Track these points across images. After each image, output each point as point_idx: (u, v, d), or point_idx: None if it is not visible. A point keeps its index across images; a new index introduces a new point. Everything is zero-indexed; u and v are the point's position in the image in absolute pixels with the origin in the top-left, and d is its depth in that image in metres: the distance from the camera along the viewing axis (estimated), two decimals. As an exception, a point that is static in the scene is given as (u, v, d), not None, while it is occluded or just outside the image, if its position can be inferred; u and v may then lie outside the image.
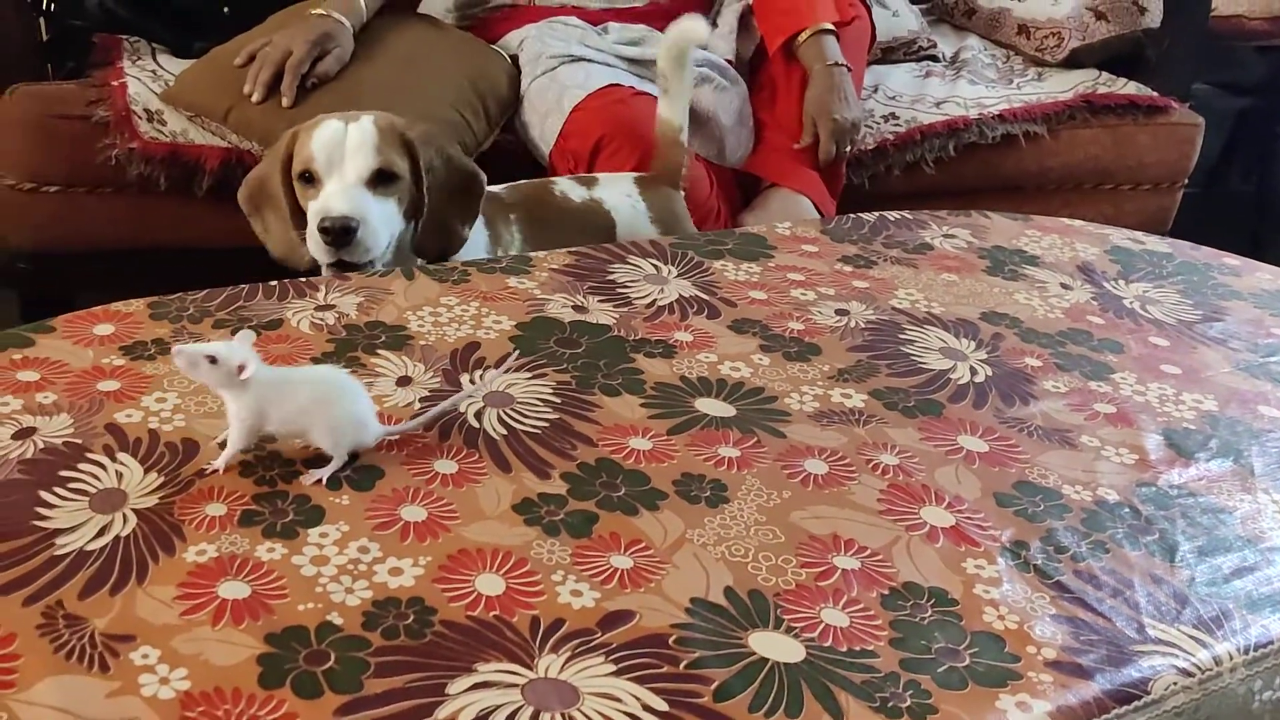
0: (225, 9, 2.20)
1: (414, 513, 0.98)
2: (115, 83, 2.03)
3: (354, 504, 0.98)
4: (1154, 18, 2.46)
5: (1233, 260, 1.62)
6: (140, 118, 1.99)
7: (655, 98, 1.99)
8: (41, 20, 2.24)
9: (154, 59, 2.15)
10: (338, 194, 1.50)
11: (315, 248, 1.52)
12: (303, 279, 1.34)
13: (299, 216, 1.57)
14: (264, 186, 1.61)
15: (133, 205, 2.03)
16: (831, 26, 2.12)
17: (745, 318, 1.35)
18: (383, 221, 1.52)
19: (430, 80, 2.00)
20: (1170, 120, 2.39)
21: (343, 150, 1.51)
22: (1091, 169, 2.37)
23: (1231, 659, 0.92)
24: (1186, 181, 2.46)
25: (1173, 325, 1.42)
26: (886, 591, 0.95)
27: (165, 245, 2.09)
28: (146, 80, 2.05)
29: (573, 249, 1.51)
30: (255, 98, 1.93)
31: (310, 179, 1.53)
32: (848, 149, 2.09)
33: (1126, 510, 1.06)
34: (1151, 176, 2.41)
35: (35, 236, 2.05)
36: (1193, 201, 3.10)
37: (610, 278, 1.42)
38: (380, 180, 1.53)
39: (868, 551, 0.98)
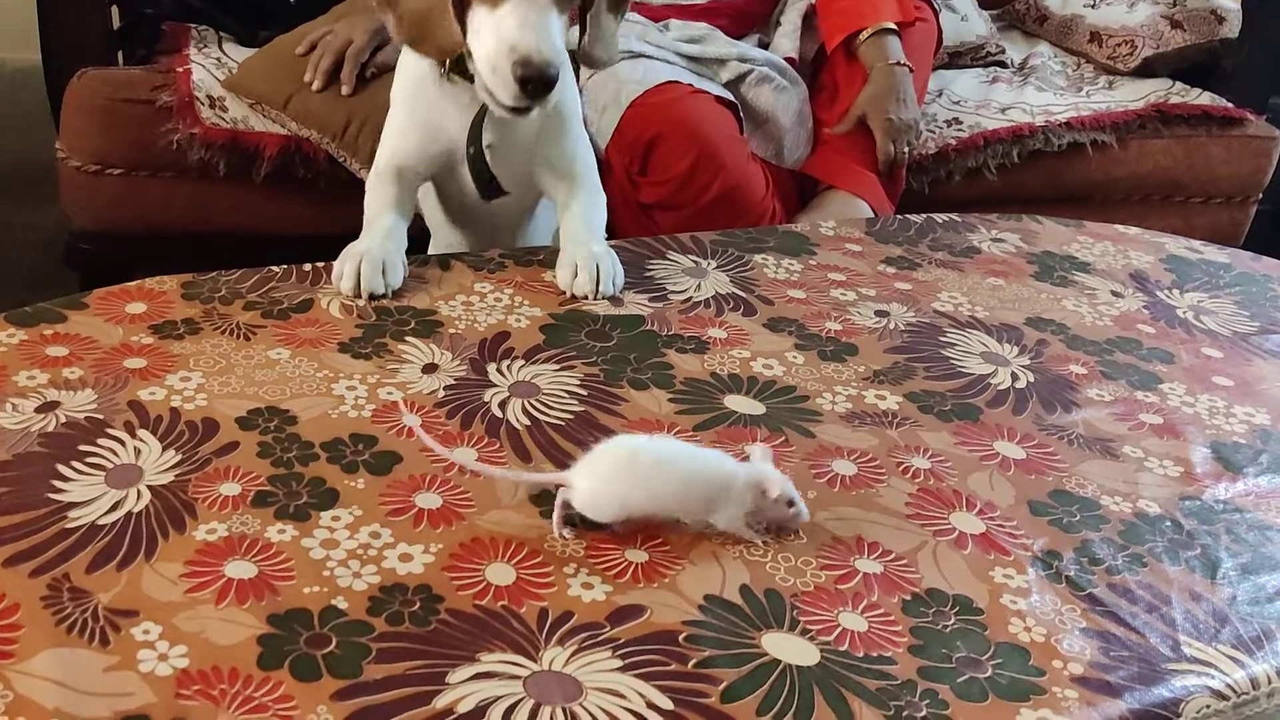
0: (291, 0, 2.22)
1: (429, 500, 0.96)
2: (180, 69, 2.05)
3: (369, 488, 0.97)
4: (1232, 27, 2.39)
5: (1295, 272, 1.57)
6: (203, 104, 2.00)
7: (713, 96, 1.98)
8: (115, 8, 2.28)
9: (219, 47, 2.17)
10: (532, 27, 1.19)
11: (495, 84, 1.22)
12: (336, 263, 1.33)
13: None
14: None
15: (192, 190, 2.05)
16: (894, 26, 2.09)
17: (782, 316, 1.32)
18: (565, 49, 1.25)
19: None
20: (1245, 133, 2.32)
21: None
22: (1161, 180, 2.30)
23: (1270, 681, 0.88)
24: (1261, 196, 2.38)
25: (1227, 336, 1.37)
26: (909, 597, 0.92)
27: (223, 230, 2.10)
28: (211, 67, 2.07)
29: (614, 241, 1.48)
30: (315, 85, 1.95)
31: None
32: (906, 151, 2.05)
33: (1168, 524, 1.02)
34: (1223, 190, 2.34)
35: (98, 217, 2.07)
36: (1270, 219, 3.02)
37: (648, 272, 1.40)
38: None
39: (891, 555, 0.95)
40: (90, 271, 2.14)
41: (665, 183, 1.92)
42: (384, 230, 1.36)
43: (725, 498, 0.95)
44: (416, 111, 1.39)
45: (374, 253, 1.30)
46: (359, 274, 1.28)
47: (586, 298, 1.31)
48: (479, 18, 1.22)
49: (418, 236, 1.94)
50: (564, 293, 1.32)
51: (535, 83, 1.19)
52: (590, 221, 1.40)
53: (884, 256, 1.50)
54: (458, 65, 1.32)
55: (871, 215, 2.04)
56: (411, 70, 1.40)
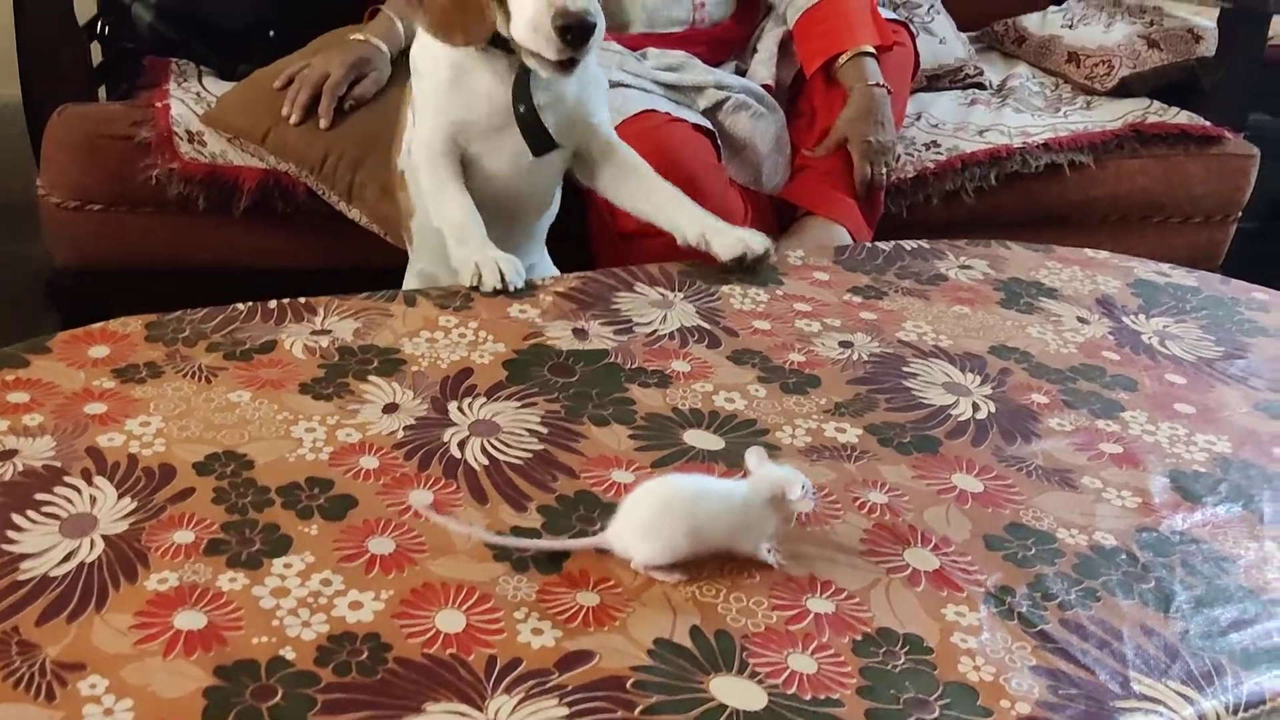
0: (271, 33, 2.23)
1: (382, 545, 0.97)
2: (159, 104, 2.07)
3: (323, 534, 0.97)
4: (1208, 46, 2.40)
5: (1262, 295, 1.57)
6: (181, 139, 2.02)
7: (690, 124, 1.98)
8: (98, 43, 2.29)
9: (199, 81, 2.18)
10: None
11: (538, 42, 1.32)
12: (301, 300, 1.34)
13: None
14: None
15: (172, 224, 2.06)
16: (872, 50, 2.09)
17: (746, 348, 1.32)
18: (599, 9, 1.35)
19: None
20: (1224, 151, 2.32)
21: None
22: (1139, 200, 2.30)
23: (1219, 718, 0.88)
24: (1240, 215, 2.38)
25: (1191, 362, 1.37)
26: (860, 637, 0.92)
27: (204, 264, 2.11)
28: (190, 102, 2.08)
29: (585, 273, 1.49)
30: (293, 120, 1.95)
31: None
32: (884, 173, 2.06)
33: (1123, 556, 1.02)
34: (1203, 209, 2.34)
35: (78, 254, 2.08)
36: (1253, 236, 3.02)
37: (615, 304, 1.40)
38: None
39: (844, 594, 0.95)
40: (72, 307, 2.15)
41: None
42: (477, 230, 1.42)
43: (749, 520, 0.97)
44: (458, 87, 1.45)
45: (492, 254, 1.38)
46: (499, 273, 1.37)
47: (767, 254, 1.46)
48: None
49: (390, 270, 1.96)
50: (534, 324, 1.33)
51: (575, 30, 1.28)
52: (681, 191, 1.50)
53: (851, 285, 1.50)
54: (498, 40, 1.39)
55: (850, 240, 2.04)
56: (436, 51, 1.46)
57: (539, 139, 1.46)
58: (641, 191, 1.52)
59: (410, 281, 1.77)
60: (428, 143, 1.47)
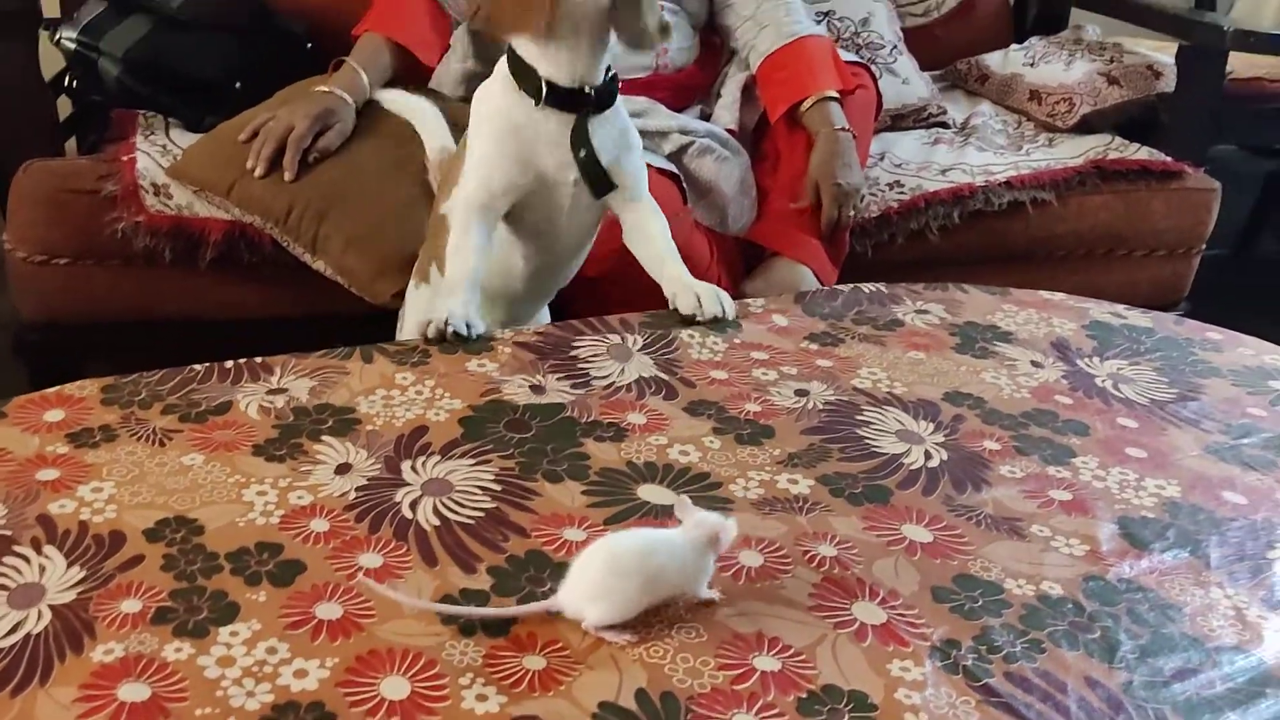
0: (238, 85, 2.24)
1: (330, 610, 0.97)
2: (125, 158, 2.07)
3: (270, 600, 0.97)
4: (1168, 82, 2.43)
5: (1216, 335, 1.58)
6: (147, 192, 2.02)
7: (656, 169, 2.00)
8: (66, 96, 2.30)
9: (166, 134, 2.19)
10: None
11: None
12: (258, 359, 1.34)
13: None
14: None
15: (139, 277, 2.06)
16: (835, 94, 2.12)
17: (703, 399, 1.33)
18: None
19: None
20: (1185, 185, 2.35)
21: None
22: (1103, 236, 2.33)
23: (1162, 770, 0.88)
24: (1204, 247, 2.41)
25: (1144, 405, 1.38)
26: (804, 695, 0.92)
27: (171, 317, 2.12)
28: (156, 155, 2.09)
29: (543, 326, 1.50)
30: (258, 172, 1.96)
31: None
32: (851, 215, 2.08)
33: (1069, 606, 1.03)
34: (1166, 243, 2.36)
35: (45, 308, 2.09)
36: (1220, 265, 3.05)
37: (573, 354, 1.41)
38: None
39: (790, 651, 0.96)
40: (39, 362, 2.15)
41: (608, 257, 1.93)
42: (469, 285, 1.50)
43: (693, 566, 1.00)
44: (506, 145, 1.52)
45: (457, 315, 1.44)
46: (442, 328, 1.43)
47: (717, 317, 1.52)
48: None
49: (359, 318, 1.96)
50: (491, 379, 1.34)
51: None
52: (676, 252, 1.59)
53: (808, 332, 1.51)
54: (552, 97, 1.49)
55: (815, 279, 2.06)
56: (496, 106, 1.54)
57: (599, 181, 1.54)
58: (644, 248, 1.60)
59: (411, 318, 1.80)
60: (470, 197, 1.54)
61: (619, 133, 1.56)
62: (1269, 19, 3.06)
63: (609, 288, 1.93)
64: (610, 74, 1.52)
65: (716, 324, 1.50)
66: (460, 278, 1.51)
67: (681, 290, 1.55)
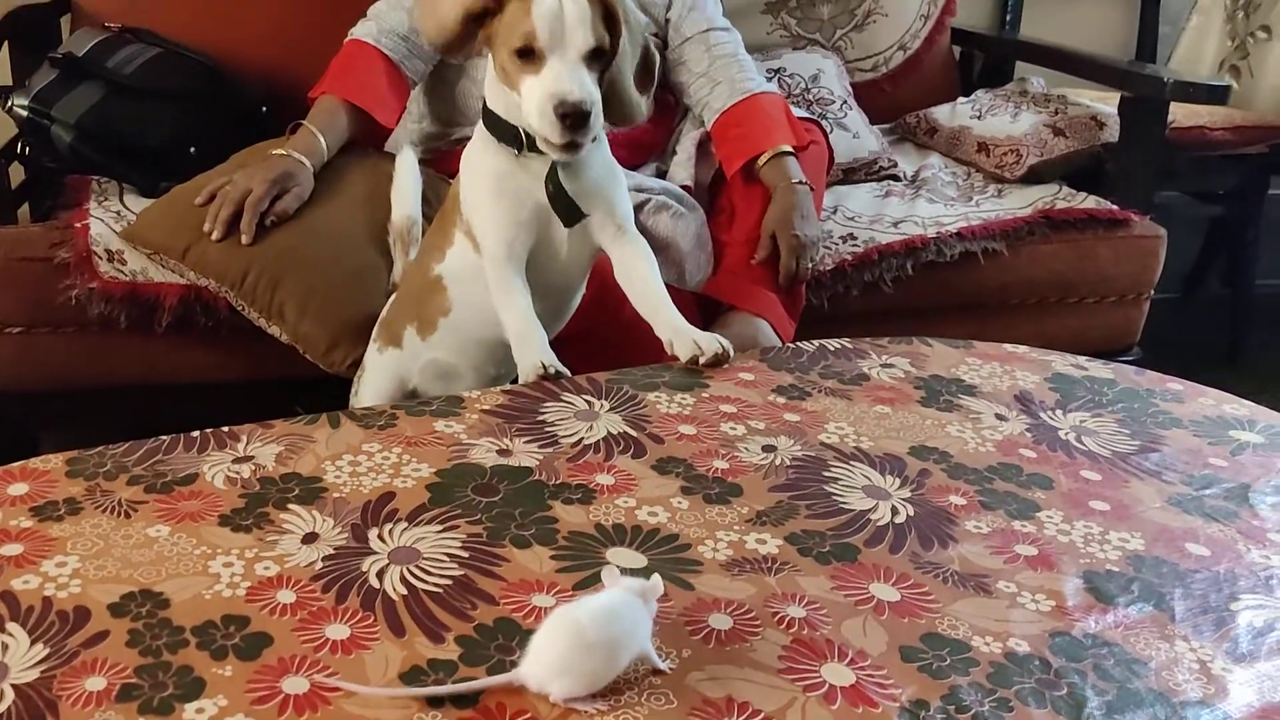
0: (192, 149, 2.24)
1: (296, 684, 0.96)
2: (78, 224, 2.07)
3: (236, 675, 0.96)
4: (1112, 132, 2.48)
5: (1176, 385, 1.60)
6: (100, 258, 2.02)
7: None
8: (20, 163, 2.29)
9: (120, 200, 2.19)
10: (567, 76, 1.49)
11: (544, 128, 1.51)
12: (224, 429, 1.34)
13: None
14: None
15: (95, 344, 2.06)
16: (791, 149, 2.14)
17: (671, 455, 1.34)
18: (598, 99, 1.53)
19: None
20: (1132, 233, 2.39)
21: (563, 25, 1.49)
22: (1054, 284, 2.37)
23: (1134, 825, 0.89)
24: (1153, 292, 2.45)
25: (1106, 457, 1.40)
26: (778, 759, 0.92)
27: (128, 383, 2.11)
28: (109, 221, 2.08)
29: (509, 386, 1.51)
30: (215, 235, 1.96)
31: (530, 55, 1.51)
32: (809, 267, 2.10)
33: (1036, 663, 1.04)
34: (1116, 289, 2.41)
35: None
36: (1172, 308, 3.11)
37: (540, 416, 1.41)
38: (593, 57, 1.52)
39: (760, 716, 0.96)
40: (-3, 432, 2.13)
41: (575, 316, 1.94)
42: (538, 328, 1.59)
43: (645, 626, 1.00)
44: (503, 194, 1.61)
45: (550, 358, 1.54)
46: (543, 371, 1.52)
47: (718, 357, 1.57)
48: (527, 84, 1.51)
49: (317, 381, 1.96)
50: (459, 443, 1.34)
51: (573, 116, 1.48)
52: (668, 295, 1.65)
53: (775, 385, 1.53)
54: (532, 145, 1.58)
55: (772, 332, 2.07)
56: (483, 166, 1.63)
57: (570, 210, 1.60)
58: (636, 289, 1.65)
59: (406, 364, 1.82)
60: (494, 256, 1.61)
61: (601, 166, 1.63)
62: (1207, 68, 3.14)
63: (576, 346, 1.94)
64: None
65: (685, 382, 1.51)
66: (528, 326, 1.58)
67: (677, 336, 1.59)
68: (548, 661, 0.96)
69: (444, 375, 1.80)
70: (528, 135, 1.57)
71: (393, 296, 1.88)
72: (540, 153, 1.57)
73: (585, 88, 1.50)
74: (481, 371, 1.77)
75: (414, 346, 1.79)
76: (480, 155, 1.64)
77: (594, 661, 0.96)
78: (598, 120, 1.53)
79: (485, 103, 1.62)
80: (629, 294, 1.66)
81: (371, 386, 1.84)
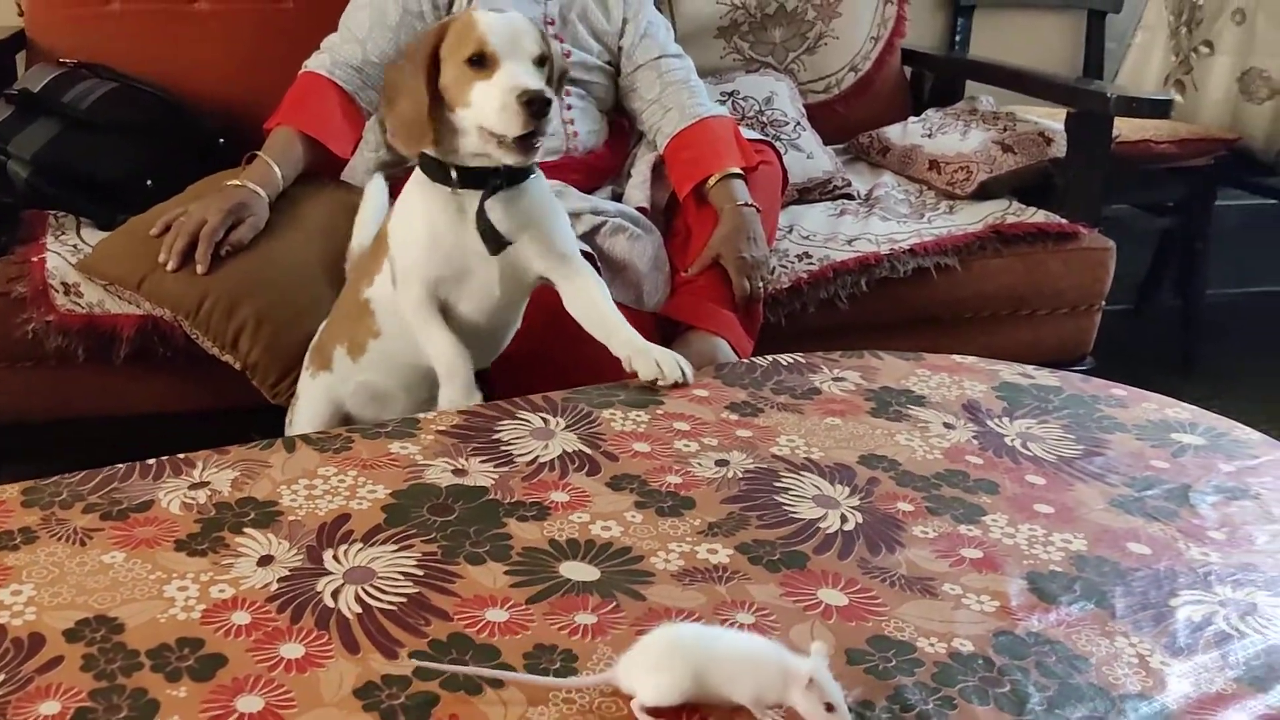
0: (149, 182, 2.25)
1: (251, 703, 0.97)
2: (35, 258, 2.07)
3: (191, 696, 0.97)
4: (1059, 148, 2.53)
5: (1120, 391, 1.64)
6: (57, 291, 2.02)
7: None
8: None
9: (78, 233, 2.19)
10: (524, 73, 1.54)
11: (506, 122, 1.53)
12: (180, 456, 1.34)
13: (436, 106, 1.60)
14: (398, 83, 1.64)
15: (53, 377, 2.05)
16: (740, 171, 2.17)
17: (625, 472, 1.35)
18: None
19: (348, 244, 2.01)
20: (1081, 246, 2.43)
21: (515, 33, 1.56)
22: (1006, 297, 2.40)
23: (1075, 816, 0.91)
24: (1104, 303, 2.49)
25: (1051, 462, 1.43)
26: (729, 762, 0.94)
27: (88, 415, 2.10)
28: (66, 254, 2.09)
29: (466, 408, 1.52)
30: (170, 266, 1.96)
31: (483, 61, 1.55)
32: (761, 286, 2.12)
33: (980, 661, 1.06)
34: (1067, 301, 2.44)
35: (-43, 413, 2.06)
36: (1124, 319, 3.16)
37: (496, 436, 1.43)
38: (538, 64, 1.58)
39: (711, 720, 0.98)
40: (-48, 467, 2.12)
41: (526, 337, 1.96)
42: (465, 365, 1.63)
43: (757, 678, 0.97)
44: (436, 228, 1.63)
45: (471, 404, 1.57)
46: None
47: (678, 383, 1.59)
48: (479, 90, 1.55)
49: (275, 408, 1.96)
50: (414, 464, 1.35)
51: (536, 102, 1.52)
52: (622, 316, 1.68)
53: (728, 402, 1.55)
54: (464, 179, 1.61)
55: (731, 350, 2.10)
56: (418, 208, 1.65)
57: (495, 239, 1.62)
58: (591, 314, 1.67)
59: (337, 387, 1.83)
60: (414, 297, 1.64)
61: (537, 198, 1.66)
62: (1152, 83, 3.20)
63: (529, 367, 1.96)
64: None
65: (640, 400, 1.53)
66: (455, 363, 1.62)
67: (637, 355, 1.61)
68: (640, 662, 0.97)
69: (376, 398, 1.81)
70: (460, 170, 1.60)
71: (324, 323, 1.89)
72: (474, 187, 1.60)
73: (541, 82, 1.55)
74: (414, 393, 1.78)
75: (344, 368, 1.81)
76: (414, 197, 1.66)
77: (677, 674, 0.96)
78: (556, 115, 1.58)
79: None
80: (582, 321, 1.68)
81: (305, 414, 1.85)
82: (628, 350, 1.63)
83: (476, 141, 1.58)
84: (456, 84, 1.57)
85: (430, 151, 1.61)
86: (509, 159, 1.58)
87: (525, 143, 1.55)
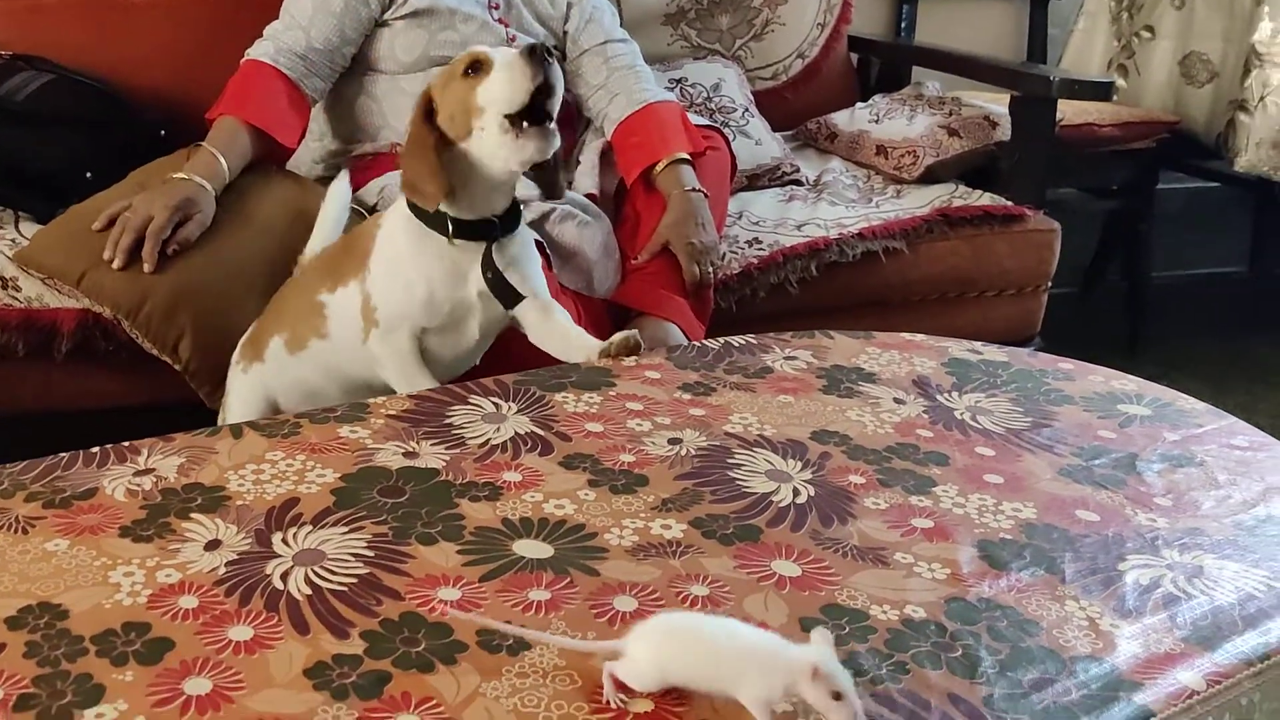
0: (89, 175, 2.21)
1: (199, 685, 0.95)
2: (-30, 254, 2.03)
3: (137, 680, 0.96)
4: (1004, 131, 2.55)
5: (1068, 365, 1.65)
6: (-6, 286, 1.98)
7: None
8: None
9: (16, 228, 2.15)
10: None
11: (516, 82, 1.54)
12: (125, 443, 1.32)
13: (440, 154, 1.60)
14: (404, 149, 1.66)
15: (-7, 374, 2.01)
16: (687, 156, 2.17)
17: (578, 452, 1.35)
18: None
19: (297, 242, 1.97)
20: (1026, 228, 2.46)
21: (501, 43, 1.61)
22: (954, 279, 2.42)
23: (1026, 776, 0.92)
24: (1050, 285, 2.52)
25: (1000, 434, 1.44)
26: (679, 731, 0.93)
27: (30, 411, 2.06)
28: (4, 248, 2.05)
29: (412, 394, 1.51)
30: (116, 264, 1.92)
31: (479, 66, 1.57)
32: (711, 271, 2.12)
33: (932, 627, 1.06)
34: (1014, 282, 2.47)
35: (-103, 414, 2.02)
36: (1072, 301, 3.19)
37: (448, 420, 1.41)
38: None
39: (663, 691, 0.97)
40: (-108, 467, 2.07)
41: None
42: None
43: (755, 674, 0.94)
44: (423, 274, 1.62)
45: None
46: None
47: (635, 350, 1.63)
48: (483, 87, 1.56)
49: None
50: (364, 448, 1.33)
51: (537, 48, 1.53)
52: (584, 332, 1.71)
53: (681, 383, 1.54)
54: (460, 230, 1.60)
55: (683, 336, 2.10)
56: (406, 251, 1.64)
57: (508, 295, 1.64)
58: (559, 345, 1.68)
59: (270, 381, 1.81)
60: (395, 340, 1.65)
61: (521, 245, 1.68)
62: (1095, 67, 3.24)
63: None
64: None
65: (592, 381, 1.52)
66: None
67: (594, 349, 1.65)
68: (645, 636, 0.97)
69: (311, 396, 1.77)
70: (455, 222, 1.60)
71: (258, 319, 1.86)
72: (469, 239, 1.61)
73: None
74: (351, 398, 1.73)
75: (280, 360, 1.78)
76: (402, 242, 1.64)
77: (661, 669, 0.95)
78: (559, 82, 1.57)
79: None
80: (549, 348, 1.69)
81: (236, 410, 1.82)
82: (591, 354, 1.64)
83: (493, 145, 1.57)
84: (460, 104, 1.57)
85: (442, 205, 1.60)
86: (529, 149, 1.57)
87: (542, 126, 1.56)
